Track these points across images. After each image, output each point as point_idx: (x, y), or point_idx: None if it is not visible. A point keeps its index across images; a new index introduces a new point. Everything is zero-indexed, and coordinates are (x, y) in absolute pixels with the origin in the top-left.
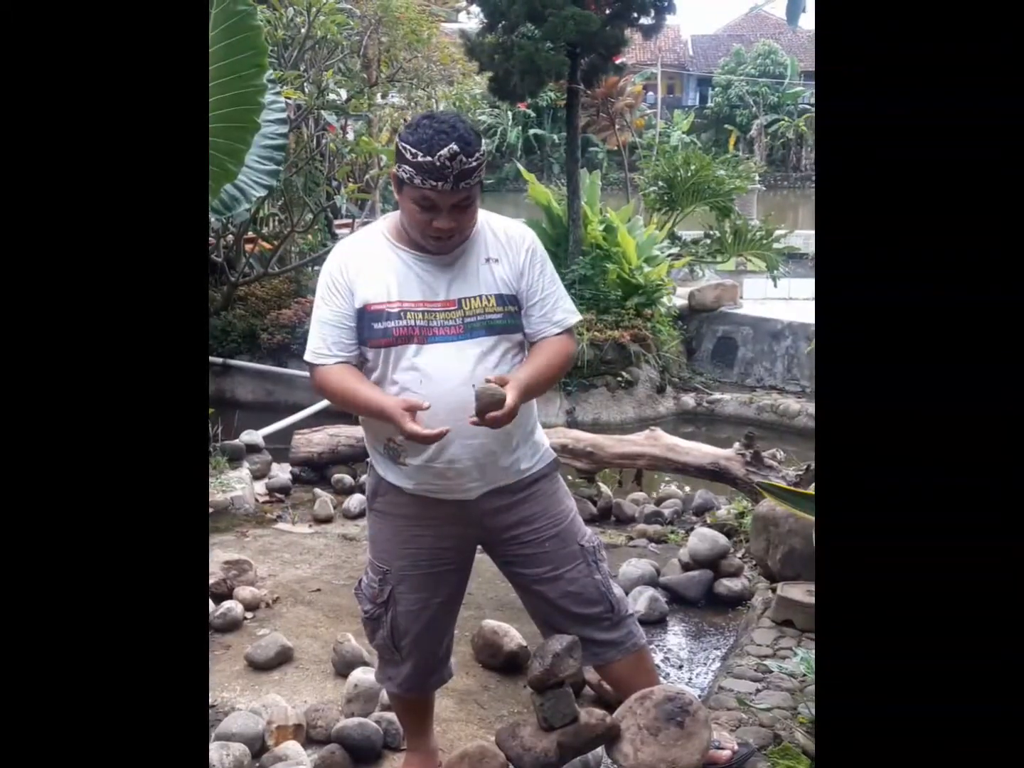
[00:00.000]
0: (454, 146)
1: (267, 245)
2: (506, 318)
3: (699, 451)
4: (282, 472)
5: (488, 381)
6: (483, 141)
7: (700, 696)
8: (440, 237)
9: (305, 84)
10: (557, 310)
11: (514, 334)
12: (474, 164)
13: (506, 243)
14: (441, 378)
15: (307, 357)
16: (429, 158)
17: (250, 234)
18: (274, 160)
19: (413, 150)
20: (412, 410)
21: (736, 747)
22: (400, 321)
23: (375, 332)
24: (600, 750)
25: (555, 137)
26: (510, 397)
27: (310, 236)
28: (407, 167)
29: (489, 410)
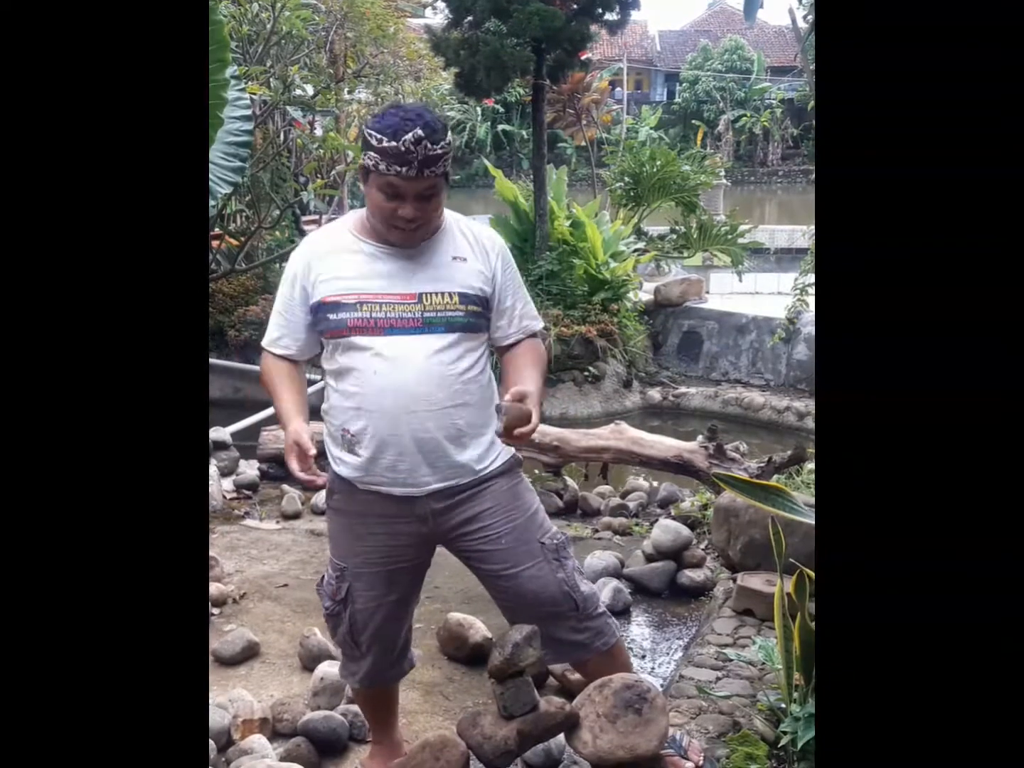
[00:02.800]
0: (419, 131)
1: (234, 242)
2: (468, 316)
3: (663, 444)
4: (250, 469)
5: (510, 400)
6: (450, 133)
7: (662, 685)
8: (404, 228)
9: (271, 80)
10: (527, 315)
11: (475, 333)
12: (439, 152)
13: (474, 244)
14: (396, 369)
15: (263, 344)
16: (394, 143)
17: (216, 231)
18: (239, 156)
19: (378, 136)
20: (302, 451)
21: (700, 763)
22: (356, 312)
23: (331, 323)
24: (561, 738)
25: (524, 133)
26: (534, 412)
27: (277, 232)
28: (372, 153)
29: (517, 426)
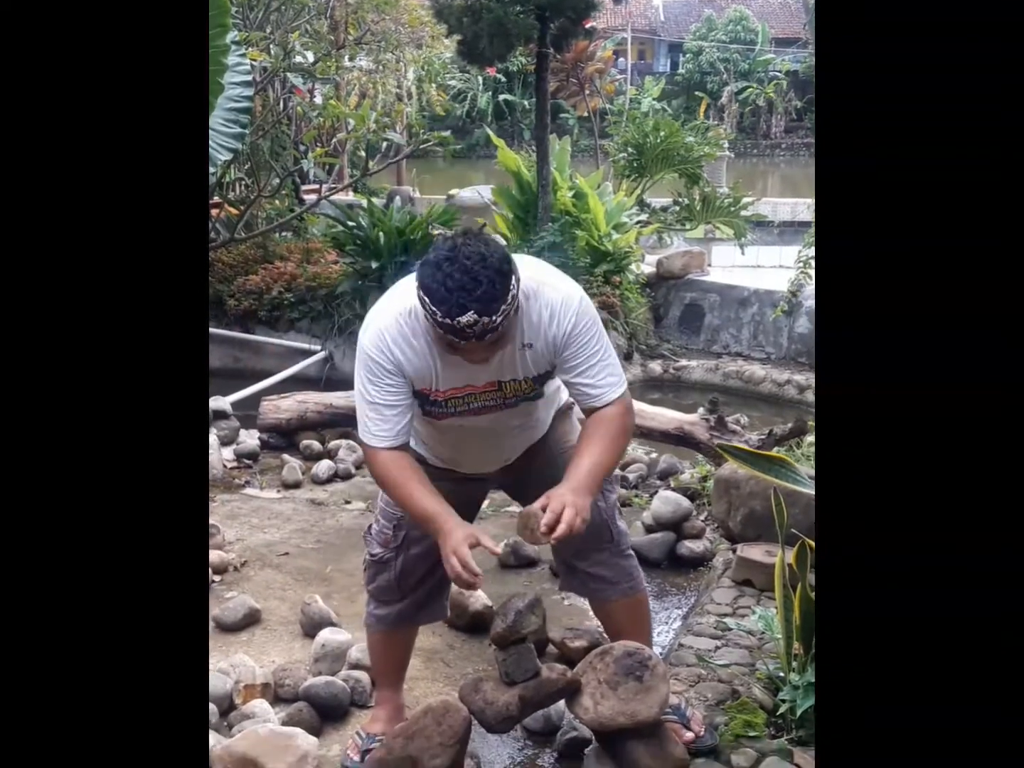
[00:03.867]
0: (473, 315)
1: (233, 211)
2: (541, 384)
3: (664, 416)
4: (250, 438)
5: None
6: (512, 282)
7: (661, 654)
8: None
9: (271, 46)
10: (598, 386)
11: (549, 383)
12: (499, 320)
13: (538, 326)
14: (480, 433)
15: (365, 439)
16: (448, 321)
17: (216, 199)
18: (239, 123)
19: (431, 306)
20: (472, 547)
21: (702, 733)
22: (444, 408)
23: (419, 407)
24: (561, 704)
25: (525, 103)
26: (568, 509)
27: (277, 201)
28: (426, 308)
29: (540, 531)
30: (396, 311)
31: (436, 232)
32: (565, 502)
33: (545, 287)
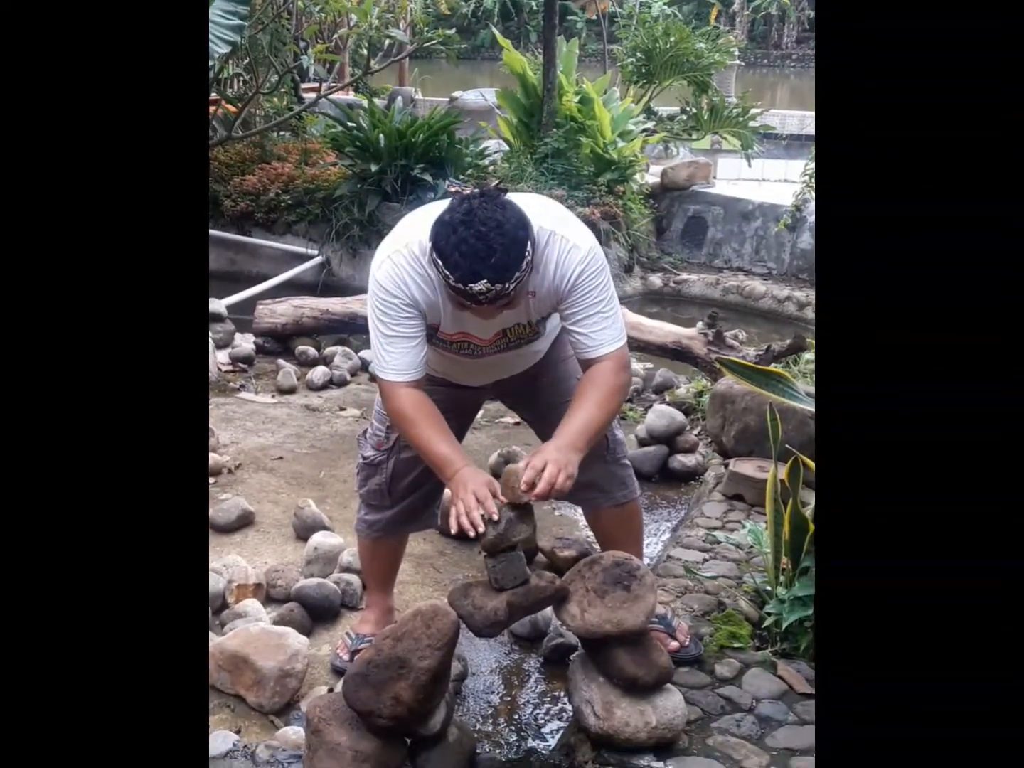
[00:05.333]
0: (486, 283)
1: (231, 108)
2: (544, 325)
3: (662, 330)
4: (245, 342)
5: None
6: (526, 249)
7: (649, 565)
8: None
9: None
10: (594, 335)
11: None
12: (512, 287)
13: (543, 274)
14: (483, 363)
15: (382, 375)
16: (460, 286)
17: (213, 95)
18: (238, 15)
19: (445, 269)
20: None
21: (687, 643)
22: (449, 346)
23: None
24: (549, 611)
25: (533, 3)
26: (550, 465)
27: (275, 99)
28: (439, 268)
29: (520, 490)
30: (409, 247)
31: (452, 189)
32: (547, 459)
33: (554, 236)
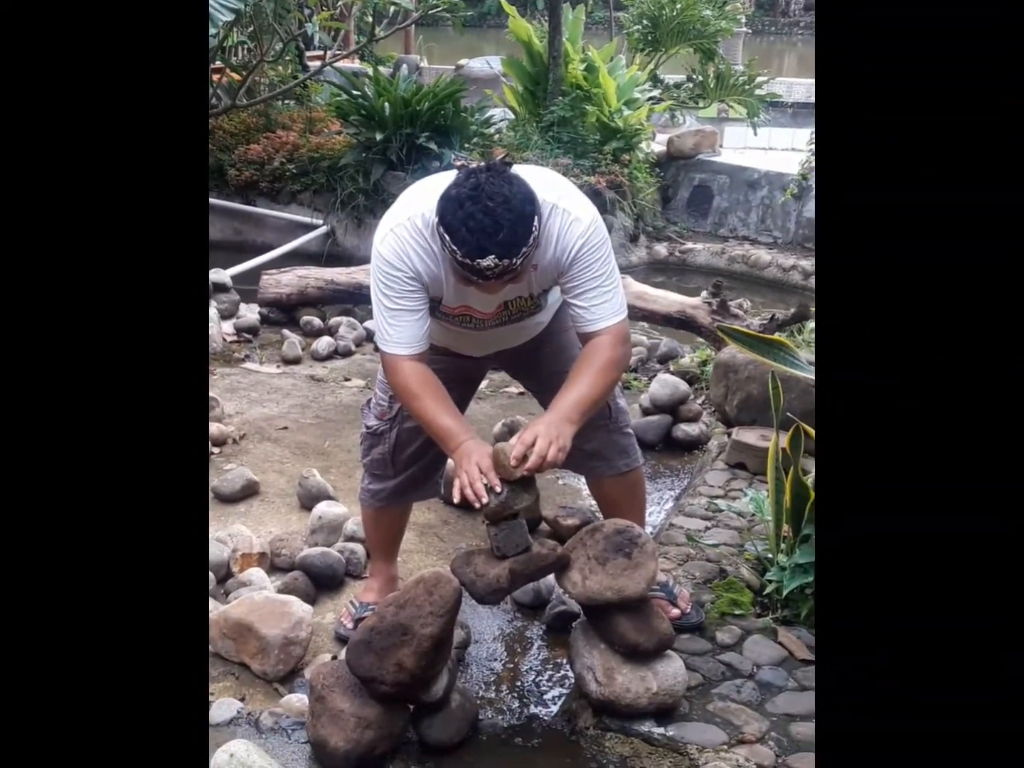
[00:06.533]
0: (493, 259)
1: (235, 76)
2: (545, 297)
3: (666, 299)
4: (250, 312)
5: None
6: (533, 225)
7: (652, 533)
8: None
9: None
10: (593, 309)
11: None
12: (519, 263)
13: (545, 247)
14: (484, 336)
15: (385, 347)
16: (467, 261)
17: (217, 63)
18: None
19: (451, 244)
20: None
21: (688, 610)
22: (451, 320)
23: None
24: (551, 579)
25: None
26: (541, 441)
27: (280, 67)
28: (445, 243)
29: (511, 466)
30: (413, 220)
31: (458, 163)
32: (537, 432)
33: (556, 208)
